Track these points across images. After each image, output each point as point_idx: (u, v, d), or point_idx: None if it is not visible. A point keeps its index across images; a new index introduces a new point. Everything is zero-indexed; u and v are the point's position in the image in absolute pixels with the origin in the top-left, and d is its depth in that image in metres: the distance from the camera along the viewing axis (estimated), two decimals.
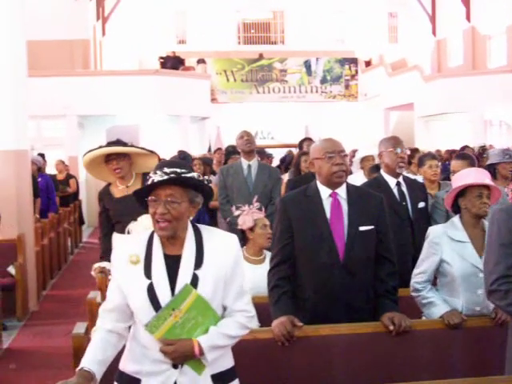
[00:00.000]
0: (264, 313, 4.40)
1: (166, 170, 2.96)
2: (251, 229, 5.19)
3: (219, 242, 3.08)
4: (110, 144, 5.74)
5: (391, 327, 3.77)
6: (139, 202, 3.08)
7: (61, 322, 8.38)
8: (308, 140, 9.64)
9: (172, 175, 2.95)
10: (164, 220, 2.95)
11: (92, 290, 9.14)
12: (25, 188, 8.95)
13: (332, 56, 27.81)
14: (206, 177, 2.98)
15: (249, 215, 5.22)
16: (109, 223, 5.74)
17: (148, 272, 2.99)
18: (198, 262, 3.00)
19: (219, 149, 14.66)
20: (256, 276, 5.00)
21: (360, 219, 3.95)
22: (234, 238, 3.14)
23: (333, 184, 3.97)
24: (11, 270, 8.49)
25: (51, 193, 12.10)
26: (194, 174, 3.04)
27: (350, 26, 29.70)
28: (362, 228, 3.93)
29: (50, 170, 14.91)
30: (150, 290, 2.96)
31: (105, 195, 5.76)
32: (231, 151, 9.59)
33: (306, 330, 3.79)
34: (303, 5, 28.95)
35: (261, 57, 27.45)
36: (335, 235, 3.91)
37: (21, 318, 8.45)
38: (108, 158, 5.60)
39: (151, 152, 5.77)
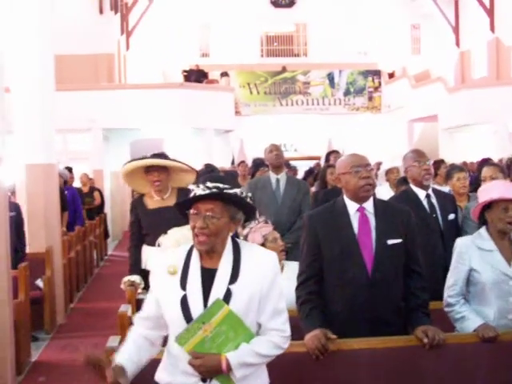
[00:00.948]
0: (293, 326, 4.39)
1: (209, 184, 2.97)
2: (262, 244, 5.15)
3: (257, 259, 3.07)
4: (153, 156, 5.75)
5: (425, 340, 3.74)
6: (181, 214, 3.10)
7: (88, 334, 8.42)
8: (335, 152, 9.63)
9: (214, 190, 2.96)
10: (202, 234, 2.96)
11: (118, 303, 9.22)
12: (53, 201, 9.02)
13: (355, 68, 27.79)
14: (250, 194, 2.98)
15: (257, 232, 5.18)
16: (140, 234, 5.75)
17: (183, 283, 3.01)
18: (234, 277, 3.00)
19: (243, 162, 14.66)
20: None
21: (388, 233, 3.93)
22: (272, 255, 3.12)
23: (360, 198, 3.96)
24: (39, 283, 8.54)
25: (77, 206, 12.18)
26: (237, 191, 3.04)
27: (373, 38, 29.66)
28: (390, 242, 3.91)
29: (77, 183, 15.00)
30: (184, 302, 2.97)
31: (138, 205, 5.77)
32: (259, 164, 9.58)
33: (339, 344, 3.77)
34: (326, 17, 28.98)
35: (284, 69, 27.49)
36: (363, 250, 3.90)
37: (49, 331, 8.50)
38: (149, 170, 5.60)
39: (192, 169, 5.80)
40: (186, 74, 25.89)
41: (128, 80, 25.43)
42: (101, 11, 22.51)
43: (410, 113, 24.50)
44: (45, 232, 8.81)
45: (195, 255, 3.07)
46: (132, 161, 5.69)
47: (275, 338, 3.06)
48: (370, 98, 27.56)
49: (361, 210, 3.96)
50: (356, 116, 28.35)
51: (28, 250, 8.50)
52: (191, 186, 3.04)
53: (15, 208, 8.24)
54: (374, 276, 3.86)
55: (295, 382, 3.77)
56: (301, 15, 29.74)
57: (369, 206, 3.98)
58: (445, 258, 5.10)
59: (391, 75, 28.13)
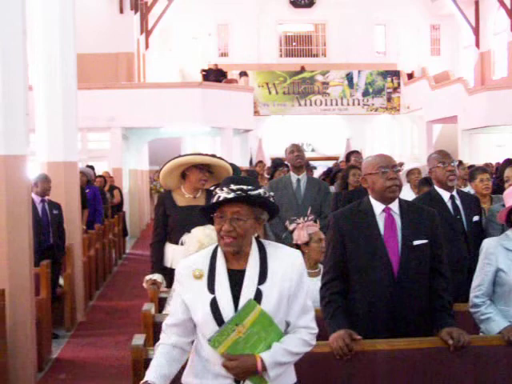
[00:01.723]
0: (318, 326, 4.39)
1: (233, 186, 2.97)
2: (307, 243, 5.18)
3: (283, 258, 3.07)
4: (203, 155, 5.70)
5: (450, 341, 3.72)
6: (205, 217, 3.11)
7: (107, 332, 8.46)
8: (356, 153, 9.60)
9: (239, 192, 2.95)
10: (229, 237, 2.96)
11: (137, 301, 9.29)
12: (73, 199, 9.06)
13: (374, 69, 27.76)
14: (272, 193, 2.99)
15: (303, 229, 5.20)
16: (164, 230, 5.72)
17: (211, 287, 3.00)
18: (262, 278, 3.00)
19: (260, 161, 14.67)
20: (311, 289, 4.97)
21: (414, 234, 3.91)
22: (298, 254, 3.13)
23: (386, 199, 3.95)
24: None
25: (98, 204, 12.22)
26: (260, 191, 3.04)
27: (392, 38, 29.63)
28: (416, 242, 3.90)
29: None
30: (213, 305, 2.96)
31: (167, 200, 5.70)
32: (278, 164, 9.57)
33: (363, 345, 3.75)
34: (345, 17, 28.95)
35: (303, 69, 27.49)
36: (389, 250, 3.88)
37: (69, 329, 8.53)
38: (199, 167, 5.55)
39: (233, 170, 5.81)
40: (204, 73, 25.94)
41: (147, 79, 25.50)
42: (121, 11, 22.57)
43: (429, 114, 24.41)
44: (66, 229, 8.84)
45: (220, 257, 3.06)
46: (183, 156, 5.64)
47: (305, 335, 3.07)
48: (389, 99, 27.49)
49: (387, 210, 3.95)
50: (374, 117, 28.33)
51: None
52: (216, 190, 3.04)
53: (57, 207, 8.44)
54: (399, 277, 3.85)
55: (319, 383, 3.76)
56: (320, 15, 29.73)
57: (395, 206, 3.97)
58: (469, 259, 5.10)
59: (410, 76, 28.05)
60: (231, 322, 2.92)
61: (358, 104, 27.39)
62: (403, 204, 4.02)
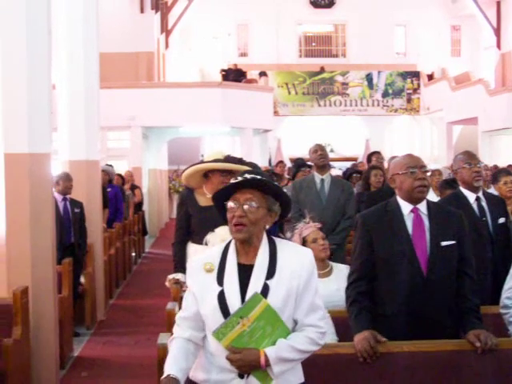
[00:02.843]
0: (340, 326, 4.37)
1: (247, 175, 3.00)
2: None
3: (293, 255, 3.08)
4: (231, 161, 5.63)
5: (478, 344, 3.69)
6: (217, 205, 3.12)
7: (127, 331, 8.48)
8: (377, 154, 9.58)
9: (250, 179, 2.99)
10: (241, 223, 2.97)
11: (157, 300, 9.31)
12: (95, 198, 9.08)
13: (394, 69, 27.70)
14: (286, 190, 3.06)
15: (296, 234, 5.22)
16: (186, 230, 5.71)
17: (220, 279, 3.02)
18: (270, 272, 3.01)
19: (281, 162, 14.64)
20: (322, 289, 4.96)
21: (442, 234, 3.89)
22: (308, 252, 3.14)
23: (414, 199, 3.93)
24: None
25: (120, 203, 12.25)
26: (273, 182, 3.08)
27: (412, 39, 29.51)
28: (443, 243, 3.88)
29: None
30: (221, 297, 2.98)
31: (189, 200, 5.66)
32: (301, 164, 9.54)
33: (388, 346, 3.73)
34: (365, 18, 28.86)
35: (322, 70, 27.45)
36: (417, 251, 3.87)
37: (89, 327, 8.56)
38: (219, 171, 5.48)
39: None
40: (224, 73, 25.95)
41: (166, 78, 25.55)
42: (142, 10, 22.65)
43: (449, 115, 24.32)
44: (87, 228, 8.87)
45: (232, 252, 3.08)
46: (213, 161, 5.59)
47: (312, 333, 3.05)
48: (409, 100, 27.42)
49: (415, 210, 3.94)
50: (394, 118, 28.26)
51: None
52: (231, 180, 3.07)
53: (79, 205, 8.47)
54: (428, 277, 3.82)
55: (342, 383, 3.74)
56: (340, 16, 29.66)
57: (423, 207, 3.96)
58: (494, 262, 5.05)
59: (430, 77, 27.95)
60: (236, 314, 2.92)
61: (378, 105, 27.35)
62: (431, 205, 4.01)
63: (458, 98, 23.58)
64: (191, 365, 3.09)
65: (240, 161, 5.82)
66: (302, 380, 3.15)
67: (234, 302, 2.96)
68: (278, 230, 7.51)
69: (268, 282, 2.98)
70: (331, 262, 5.16)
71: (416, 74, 27.62)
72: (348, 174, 11.09)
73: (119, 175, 14.55)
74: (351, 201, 7.17)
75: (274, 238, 3.14)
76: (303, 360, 3.13)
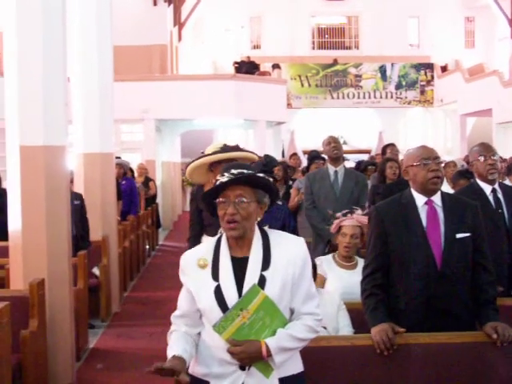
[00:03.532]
0: (358, 319, 4.37)
1: (234, 171, 3.00)
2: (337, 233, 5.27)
3: (286, 245, 3.09)
4: (227, 149, 5.61)
5: (495, 336, 3.68)
6: (207, 205, 3.13)
7: (142, 323, 8.50)
8: (391, 146, 9.54)
9: (239, 176, 2.99)
10: (233, 220, 2.97)
11: (170, 292, 9.30)
12: (109, 190, 9.09)
13: (407, 61, 27.61)
14: (271, 179, 3.07)
15: (336, 223, 5.29)
16: (199, 225, 5.73)
17: (215, 274, 3.03)
18: (266, 264, 3.02)
19: (295, 154, 14.62)
20: (347, 281, 4.98)
21: (456, 226, 3.87)
22: (301, 241, 3.14)
23: (428, 191, 3.91)
24: (96, 271, 8.64)
25: (134, 196, 12.28)
26: (261, 175, 3.07)
27: (426, 30, 29.40)
28: (458, 235, 3.86)
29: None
30: (218, 292, 2.99)
31: (199, 196, 5.71)
32: (314, 156, 9.52)
33: (405, 338, 3.73)
34: (378, 10, 28.78)
35: (335, 62, 27.40)
36: (432, 243, 3.85)
37: (104, 319, 8.59)
38: (220, 163, 5.45)
39: (259, 157, 5.80)
40: (237, 65, 25.92)
41: (179, 71, 25.56)
42: (154, 3, 22.68)
43: (462, 107, 24.21)
44: (101, 221, 8.89)
45: (224, 246, 3.09)
46: (212, 154, 5.55)
47: (310, 321, 3.07)
48: (422, 92, 27.33)
49: (429, 202, 3.91)
50: (407, 110, 28.19)
51: None
52: (218, 176, 3.06)
53: (79, 197, 8.38)
54: (442, 269, 3.81)
55: (362, 376, 3.74)
56: (353, 7, 29.59)
57: (437, 199, 3.93)
58: (510, 254, 5.03)
59: (444, 69, 27.83)
60: (236, 307, 2.94)
61: (391, 97, 27.28)
62: (445, 196, 3.99)
63: (471, 89, 23.47)
64: (193, 351, 3.09)
65: (237, 148, 5.75)
66: (302, 369, 3.16)
67: (231, 296, 2.97)
68: (295, 223, 7.53)
69: (264, 273, 3.00)
70: (357, 257, 5.19)
71: (430, 66, 27.52)
72: (363, 166, 11.06)
73: (129, 168, 14.58)
74: (365, 193, 7.17)
75: (265, 229, 3.16)
76: (308, 349, 3.17)
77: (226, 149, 5.51)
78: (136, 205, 12.38)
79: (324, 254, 5.92)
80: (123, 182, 11.50)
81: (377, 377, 3.73)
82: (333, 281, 5.05)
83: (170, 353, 3.01)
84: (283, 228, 6.64)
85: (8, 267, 6.38)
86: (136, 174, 14.96)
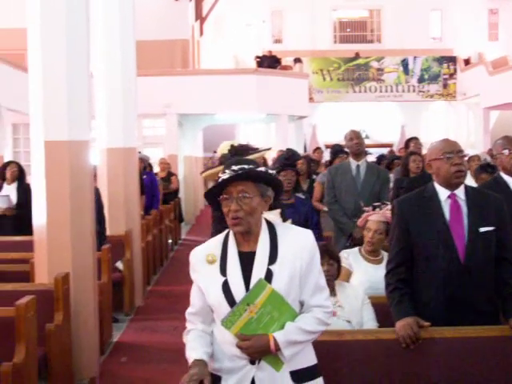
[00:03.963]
0: (382, 313, 4.37)
1: (234, 167, 3.01)
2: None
3: (294, 237, 3.08)
4: (237, 153, 5.67)
5: None
6: (211, 203, 3.15)
7: (165, 317, 8.54)
8: (415, 139, 9.52)
9: (240, 172, 2.99)
10: (237, 216, 2.98)
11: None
12: (132, 185, 9.14)
13: (430, 54, 27.42)
14: (274, 171, 3.06)
15: (363, 217, 5.31)
16: (221, 220, 5.75)
17: (223, 270, 3.03)
18: (273, 258, 3.01)
19: (318, 148, 14.62)
20: (372, 275, 4.98)
21: (480, 220, 3.85)
22: (309, 233, 3.13)
23: (451, 185, 3.89)
24: (119, 265, 8.68)
25: (156, 190, 12.32)
26: (262, 169, 3.08)
27: (449, 23, 29.21)
28: (482, 229, 3.83)
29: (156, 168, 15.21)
30: (225, 287, 2.99)
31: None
32: (337, 151, 9.52)
33: (430, 332, 3.72)
34: (400, 2, 28.64)
35: (357, 56, 27.30)
36: (455, 237, 3.82)
37: (128, 313, 8.63)
38: None
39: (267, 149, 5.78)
40: (258, 59, 25.91)
41: (201, 66, 25.59)
42: None
43: (486, 100, 24.04)
44: (124, 215, 8.94)
45: (232, 241, 3.10)
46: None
47: (319, 314, 3.06)
48: (445, 85, 27.15)
49: (452, 196, 3.89)
50: (430, 103, 28.04)
51: (108, 232, 8.64)
52: (219, 174, 3.07)
53: (95, 191, 8.37)
54: (466, 263, 3.79)
55: (386, 369, 3.73)
56: (374, 0, 29.46)
57: (460, 192, 3.91)
58: None
59: (467, 62, 27.63)
60: (243, 302, 2.94)
61: (414, 91, 27.12)
62: (469, 190, 3.96)
63: (495, 82, 23.29)
64: (211, 350, 3.10)
65: (247, 148, 5.78)
66: (315, 361, 3.15)
67: (238, 291, 2.98)
68: (318, 217, 7.53)
69: (271, 267, 2.99)
70: (383, 251, 5.18)
71: (452, 59, 27.33)
72: (389, 161, 11.03)
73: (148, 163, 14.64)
74: (386, 188, 7.15)
75: (273, 222, 3.15)
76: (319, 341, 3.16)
77: (236, 151, 5.57)
78: (158, 199, 12.44)
79: (346, 247, 5.92)
80: (144, 177, 11.54)
81: (401, 370, 3.72)
82: (358, 275, 5.05)
83: (190, 354, 3.03)
84: (306, 222, 6.66)
85: (33, 261, 6.43)
86: (157, 169, 15.02)
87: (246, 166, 3.01)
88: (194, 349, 3.04)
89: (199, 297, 3.11)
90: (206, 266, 3.07)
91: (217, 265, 3.05)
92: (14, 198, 8.83)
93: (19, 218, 8.63)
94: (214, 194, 3.08)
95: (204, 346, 3.06)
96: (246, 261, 3.03)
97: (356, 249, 5.32)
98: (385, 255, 5.13)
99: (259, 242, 3.05)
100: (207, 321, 3.13)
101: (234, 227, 3.02)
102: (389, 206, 5.32)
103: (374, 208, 5.34)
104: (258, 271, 2.99)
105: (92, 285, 6.28)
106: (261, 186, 3.05)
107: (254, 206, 3.01)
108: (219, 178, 3.05)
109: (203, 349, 3.04)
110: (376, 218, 5.25)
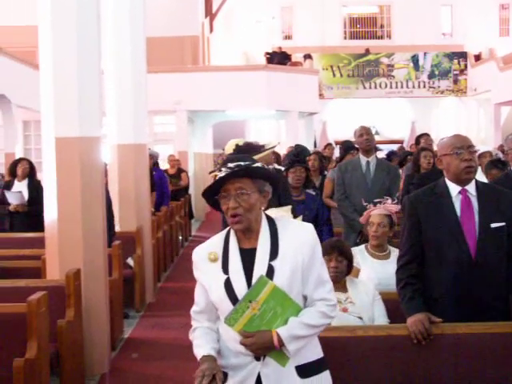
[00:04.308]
0: (392, 309, 4.37)
1: (230, 165, 3.00)
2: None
3: (294, 232, 3.08)
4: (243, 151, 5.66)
5: None
6: (209, 201, 3.14)
7: (176, 313, 8.52)
8: (425, 135, 9.50)
9: (236, 169, 2.99)
10: (236, 214, 2.98)
11: None
12: (143, 181, 9.16)
13: (440, 50, 27.32)
14: (271, 166, 3.03)
15: (366, 212, 5.34)
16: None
17: (225, 267, 3.04)
18: (274, 254, 3.01)
19: (329, 144, 14.61)
20: (380, 271, 4.98)
21: (491, 216, 3.84)
22: (309, 227, 3.12)
23: (462, 180, 3.88)
24: (130, 261, 8.70)
25: (165, 187, 12.33)
26: (259, 164, 3.07)
27: (459, 18, 29.07)
28: (493, 225, 3.82)
29: (162, 164, 15.20)
30: (227, 285, 3.00)
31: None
32: (349, 146, 9.49)
33: (442, 328, 3.72)
34: None
35: (367, 52, 27.23)
36: (466, 233, 3.82)
37: (139, 309, 8.65)
38: None
39: (272, 147, 5.76)
40: (268, 56, 25.90)
41: (211, 62, 25.60)
42: None
43: (496, 96, 23.92)
44: (135, 211, 8.96)
45: (233, 238, 3.10)
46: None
47: (322, 307, 3.06)
48: (456, 81, 27.04)
49: (463, 192, 3.89)
50: (440, 99, 27.94)
51: (118, 228, 8.66)
52: (215, 172, 3.08)
53: None
54: (477, 259, 3.78)
55: (397, 365, 3.74)
56: None
57: (471, 188, 3.90)
58: None
59: (478, 57, 27.51)
60: (245, 299, 2.94)
61: (424, 87, 27.03)
62: (480, 186, 3.96)
63: (506, 78, 23.17)
64: (218, 346, 3.10)
65: (253, 146, 5.76)
66: (321, 355, 3.15)
67: (240, 288, 2.98)
68: (329, 213, 7.52)
69: (272, 263, 2.99)
70: (390, 246, 5.18)
71: (463, 55, 27.23)
72: (403, 157, 11.01)
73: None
74: (396, 184, 7.14)
75: (273, 217, 3.15)
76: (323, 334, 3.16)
77: (242, 149, 5.56)
78: (168, 196, 12.44)
79: (356, 244, 5.92)
80: (153, 173, 11.55)
81: (413, 366, 3.73)
82: (366, 272, 5.05)
83: (198, 351, 3.04)
84: (316, 218, 6.66)
85: (44, 258, 6.45)
86: (165, 166, 15.02)
87: (242, 163, 3.01)
88: (202, 346, 3.05)
89: (203, 295, 3.12)
90: (209, 264, 3.07)
91: (219, 263, 3.06)
92: (25, 195, 8.87)
93: (30, 215, 8.67)
94: (212, 193, 3.08)
95: (211, 342, 3.07)
96: (248, 258, 3.03)
97: (362, 246, 5.32)
98: (391, 250, 5.13)
99: (260, 238, 3.05)
100: (212, 318, 3.14)
101: (234, 225, 3.02)
102: (389, 200, 5.32)
103: (375, 204, 5.34)
104: (260, 268, 2.99)
105: (103, 281, 6.30)
106: (258, 181, 3.05)
107: (253, 203, 3.01)
108: (215, 176, 3.05)
109: (210, 345, 3.05)
110: (378, 211, 5.25)
